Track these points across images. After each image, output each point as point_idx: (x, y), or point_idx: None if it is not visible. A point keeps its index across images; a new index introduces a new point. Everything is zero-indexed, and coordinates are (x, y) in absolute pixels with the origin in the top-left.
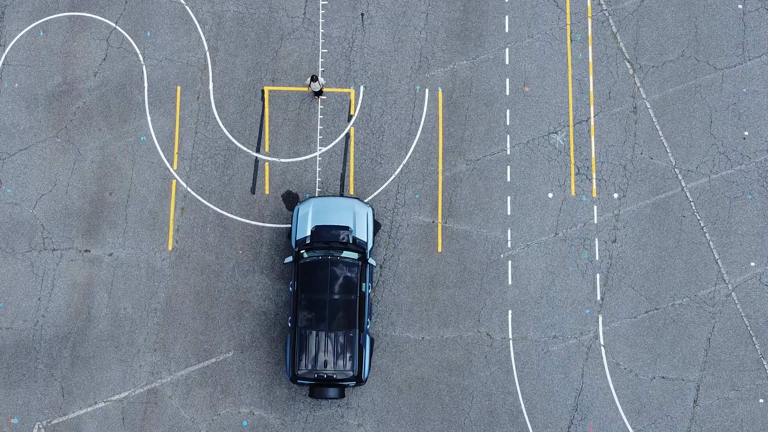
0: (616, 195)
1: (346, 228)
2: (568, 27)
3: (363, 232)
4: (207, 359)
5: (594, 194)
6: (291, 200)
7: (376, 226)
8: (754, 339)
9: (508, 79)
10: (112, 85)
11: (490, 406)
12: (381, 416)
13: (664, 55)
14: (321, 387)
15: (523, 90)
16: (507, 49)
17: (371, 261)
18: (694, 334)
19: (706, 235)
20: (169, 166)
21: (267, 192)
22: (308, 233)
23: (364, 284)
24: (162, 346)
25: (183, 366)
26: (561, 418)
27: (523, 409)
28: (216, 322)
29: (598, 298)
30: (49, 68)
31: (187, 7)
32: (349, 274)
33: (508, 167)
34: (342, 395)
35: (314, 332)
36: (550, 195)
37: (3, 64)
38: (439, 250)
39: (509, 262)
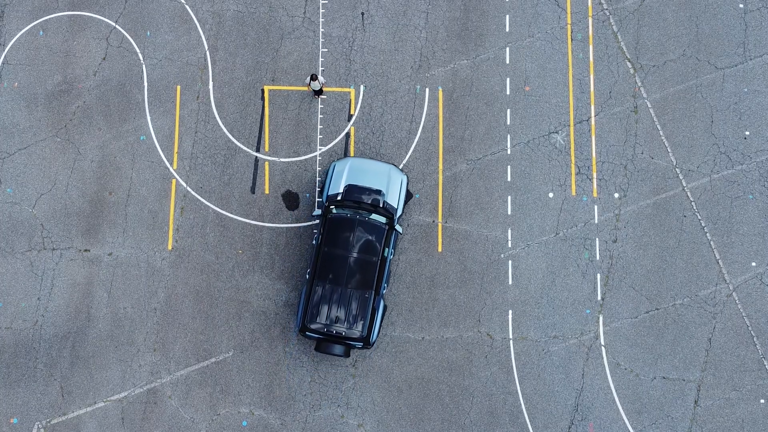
0: (616, 195)
1: (379, 191)
2: (569, 26)
3: (394, 198)
4: (207, 359)
5: (595, 194)
6: (291, 200)
7: (408, 195)
8: (755, 339)
9: (508, 79)
10: (111, 85)
11: (490, 407)
12: (381, 416)
13: (665, 55)
14: (328, 342)
15: (523, 89)
16: (507, 49)
17: (398, 228)
18: (695, 335)
19: (707, 235)
20: (168, 165)
21: (267, 191)
22: (341, 190)
23: (387, 249)
24: (162, 346)
25: (183, 366)
26: (561, 419)
27: (524, 410)
28: (216, 321)
29: (599, 298)
30: (48, 67)
31: (187, 7)
32: (374, 237)
33: (509, 167)
34: (347, 355)
35: (331, 287)
36: (551, 195)
37: (3, 63)
38: (440, 249)
39: (509, 262)
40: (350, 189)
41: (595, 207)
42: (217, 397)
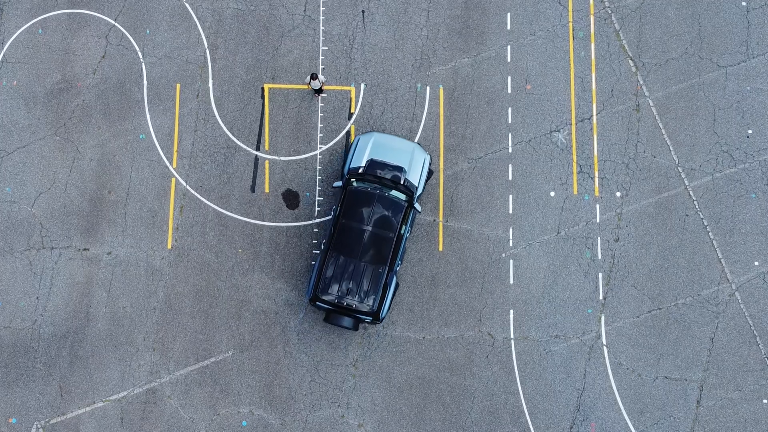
0: (618, 193)
1: (401, 168)
2: (571, 24)
3: (416, 176)
4: (206, 359)
5: (596, 193)
6: (291, 199)
7: (429, 173)
8: (757, 339)
9: (509, 77)
10: (111, 83)
11: (491, 407)
12: (381, 416)
13: (667, 53)
14: (337, 314)
15: (524, 88)
16: (509, 47)
17: (417, 206)
18: (698, 334)
19: (710, 234)
20: (168, 164)
21: (267, 190)
22: (363, 164)
23: (404, 227)
24: (161, 346)
25: (182, 365)
26: (563, 419)
27: (525, 410)
28: (215, 321)
29: (601, 297)
30: (47, 66)
31: (187, 5)
32: (392, 213)
33: (510, 165)
34: (356, 328)
35: (345, 259)
36: (552, 193)
37: (1, 61)
38: (441, 249)
39: (511, 261)
40: (372, 164)
41: (597, 206)
42: (217, 396)
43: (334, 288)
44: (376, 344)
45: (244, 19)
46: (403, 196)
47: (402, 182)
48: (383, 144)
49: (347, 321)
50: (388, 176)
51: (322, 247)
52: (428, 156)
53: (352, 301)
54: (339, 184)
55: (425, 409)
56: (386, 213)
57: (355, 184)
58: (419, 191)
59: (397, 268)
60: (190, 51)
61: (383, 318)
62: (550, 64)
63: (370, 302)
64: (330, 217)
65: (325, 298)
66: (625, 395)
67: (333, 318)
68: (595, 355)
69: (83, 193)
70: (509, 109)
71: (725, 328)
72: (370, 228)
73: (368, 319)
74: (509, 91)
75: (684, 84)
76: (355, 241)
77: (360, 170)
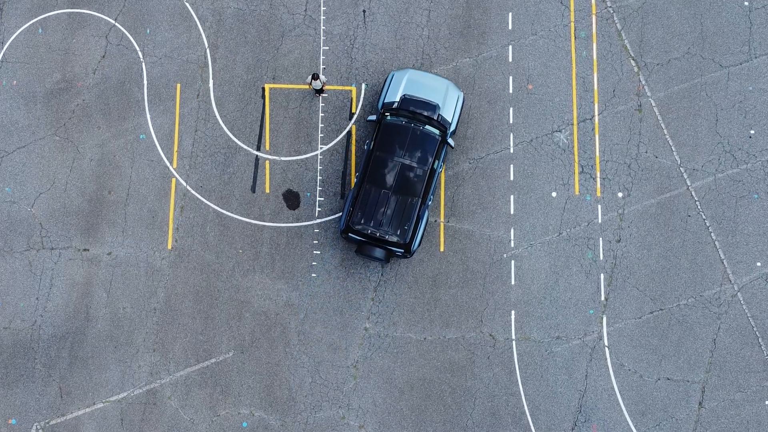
0: (620, 194)
1: (435, 104)
2: (572, 24)
3: (449, 113)
4: (206, 359)
5: (598, 193)
6: (292, 199)
7: (463, 111)
8: (760, 340)
9: (511, 77)
10: (111, 83)
11: (492, 408)
12: (382, 417)
13: (669, 53)
14: (370, 245)
15: (526, 88)
16: (510, 47)
17: (450, 141)
18: (700, 335)
19: (712, 234)
20: (168, 164)
21: (267, 191)
22: (397, 99)
23: (437, 162)
24: (161, 346)
25: (182, 366)
26: (564, 420)
27: (527, 411)
28: (216, 322)
29: (602, 298)
30: (47, 65)
31: (187, 4)
32: (426, 147)
33: (512, 166)
34: (387, 260)
35: (379, 191)
36: (554, 194)
37: (1, 61)
38: (442, 249)
39: (512, 261)
40: (406, 99)
41: (599, 206)
42: (217, 398)
43: (368, 219)
44: (377, 345)
45: (244, 19)
46: (436, 131)
47: (436, 118)
48: (417, 81)
49: (379, 252)
50: (422, 112)
51: (355, 180)
52: (462, 93)
53: (385, 233)
54: (373, 118)
55: (426, 410)
56: (420, 147)
57: (389, 117)
58: (453, 127)
59: (429, 203)
60: (191, 51)
61: (414, 252)
62: (551, 64)
63: (403, 234)
64: (365, 148)
65: (357, 229)
66: (627, 396)
67: (365, 249)
68: (596, 356)
69: (83, 193)
70: (511, 109)
71: (727, 329)
72: (403, 160)
73: (399, 251)
74: (511, 91)
75: (686, 84)
76: (388, 173)
77: (394, 105)
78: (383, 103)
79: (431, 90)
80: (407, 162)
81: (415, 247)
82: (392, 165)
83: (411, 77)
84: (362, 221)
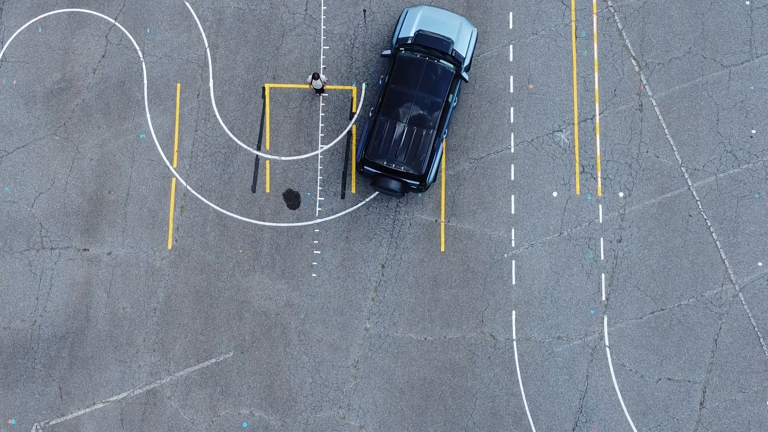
0: (621, 194)
1: (449, 39)
2: (573, 24)
3: (463, 48)
4: (207, 360)
5: (599, 193)
6: (292, 199)
7: (476, 47)
8: (761, 340)
9: (512, 77)
10: (111, 83)
11: (493, 408)
12: (383, 418)
13: (670, 53)
14: (385, 178)
15: (527, 87)
16: (511, 46)
17: (465, 75)
18: (701, 335)
19: (713, 234)
20: (168, 164)
21: (268, 190)
22: (411, 35)
23: (451, 96)
24: (161, 347)
25: (182, 366)
26: (565, 420)
27: (527, 411)
28: (216, 322)
29: (603, 298)
30: (47, 65)
31: (187, 4)
32: (440, 80)
33: (512, 166)
34: (402, 193)
35: (394, 123)
36: (555, 194)
37: (1, 60)
38: (442, 249)
39: (513, 261)
40: (421, 35)
41: (600, 206)
42: (218, 398)
43: (384, 151)
44: (377, 345)
45: (244, 19)
46: (451, 65)
47: (450, 53)
48: (431, 17)
49: (394, 184)
50: (437, 47)
51: (370, 115)
52: (475, 29)
53: (401, 165)
54: (388, 52)
55: (427, 410)
56: (435, 80)
57: (404, 52)
58: (466, 62)
59: (444, 136)
60: (191, 50)
61: (428, 185)
62: (552, 63)
63: (419, 165)
64: (380, 83)
65: (374, 161)
66: (628, 397)
67: (381, 182)
68: (597, 357)
69: (83, 193)
70: (511, 109)
71: (729, 330)
72: (419, 93)
73: (415, 183)
74: (511, 90)
75: (687, 83)
76: (404, 105)
77: (408, 41)
78: (398, 39)
79: (445, 26)
80: (423, 95)
81: (429, 180)
82: (408, 97)
83: (425, 14)
84: (378, 153)
